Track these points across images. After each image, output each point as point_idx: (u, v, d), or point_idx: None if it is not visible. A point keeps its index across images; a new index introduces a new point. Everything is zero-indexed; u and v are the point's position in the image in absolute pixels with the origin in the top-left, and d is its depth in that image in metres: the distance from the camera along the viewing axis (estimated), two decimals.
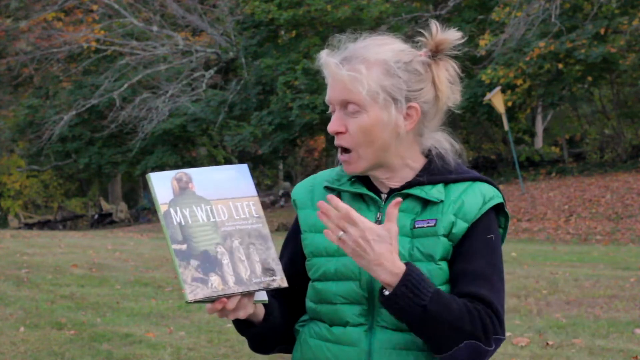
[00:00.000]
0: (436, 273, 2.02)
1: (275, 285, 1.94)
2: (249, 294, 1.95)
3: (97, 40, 30.99)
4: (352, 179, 2.12)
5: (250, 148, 29.02)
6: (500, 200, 2.08)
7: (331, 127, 2.06)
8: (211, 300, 1.89)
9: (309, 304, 2.14)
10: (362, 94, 2.04)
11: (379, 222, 2.06)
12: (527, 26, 21.49)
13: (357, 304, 2.04)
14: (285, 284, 1.96)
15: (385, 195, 2.10)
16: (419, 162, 2.12)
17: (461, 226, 2.03)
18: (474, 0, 25.14)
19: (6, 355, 6.51)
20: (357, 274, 2.03)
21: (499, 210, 2.10)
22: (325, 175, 2.20)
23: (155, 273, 10.89)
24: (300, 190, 2.22)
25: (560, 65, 21.48)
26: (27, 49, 31.30)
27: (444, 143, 2.14)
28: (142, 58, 29.95)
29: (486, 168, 28.05)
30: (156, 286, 9.80)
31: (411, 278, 1.91)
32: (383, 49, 2.08)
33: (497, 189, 2.11)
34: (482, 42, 22.11)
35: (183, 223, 1.89)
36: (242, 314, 1.96)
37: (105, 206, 34.89)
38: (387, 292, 1.92)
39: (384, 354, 2.02)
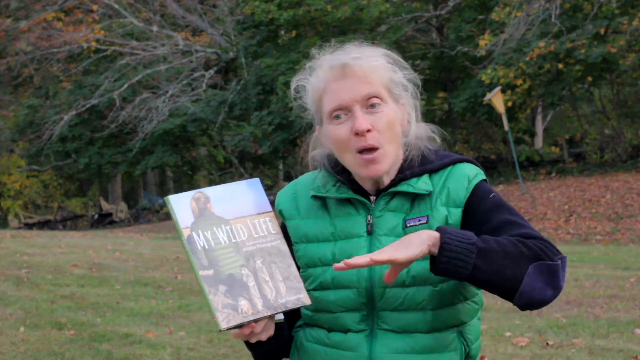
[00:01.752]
0: None
1: (300, 304, 1.93)
2: (273, 316, 1.93)
3: (97, 40, 30.98)
4: (337, 184, 2.09)
5: (250, 148, 29.00)
6: (483, 177, 2.06)
7: (362, 125, 1.97)
8: (241, 325, 1.87)
9: (304, 311, 2.12)
10: (383, 85, 2.01)
11: (370, 225, 2.03)
12: (527, 26, 21.48)
13: (357, 311, 2.02)
14: (309, 301, 1.94)
15: (374, 198, 2.07)
16: (401, 157, 2.10)
17: (455, 213, 2.01)
18: (474, 0, 25.12)
19: (6, 355, 6.51)
20: (355, 282, 2.01)
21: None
22: (307, 181, 2.16)
23: (155, 273, 10.89)
24: (284, 199, 2.17)
25: (560, 65, 21.47)
26: (27, 49, 31.28)
27: (421, 132, 2.11)
28: (142, 58, 29.94)
29: (486, 168, 28.03)
30: (156, 286, 9.80)
31: (447, 228, 1.88)
32: (376, 51, 2.07)
33: (478, 166, 2.09)
34: (482, 42, 22.10)
35: (207, 247, 1.87)
36: (264, 336, 1.94)
37: (105, 206, 34.88)
38: (441, 249, 1.85)
39: (385, 359, 2.00)
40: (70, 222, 35.36)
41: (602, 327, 7.18)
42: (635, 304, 8.19)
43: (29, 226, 33.29)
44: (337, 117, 2.01)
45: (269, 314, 1.88)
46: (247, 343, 2.05)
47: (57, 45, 30.44)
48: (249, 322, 1.87)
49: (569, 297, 8.66)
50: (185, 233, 1.87)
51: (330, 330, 2.06)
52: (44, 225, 33.96)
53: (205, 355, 6.54)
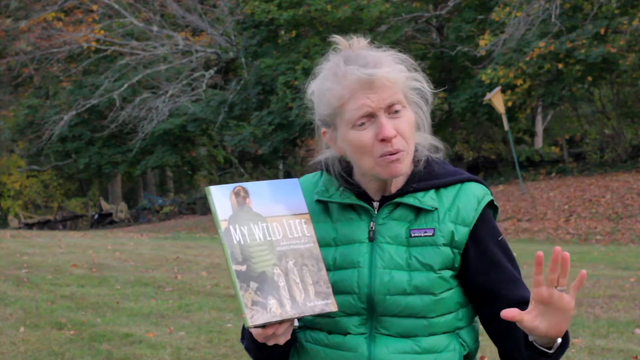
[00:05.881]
0: (436, 282, 2.02)
1: (327, 309, 1.92)
2: (294, 320, 1.93)
3: (97, 40, 30.98)
4: (341, 189, 2.09)
5: (250, 148, 29.00)
6: (491, 197, 2.10)
7: (390, 132, 1.97)
8: (266, 325, 1.87)
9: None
10: (403, 92, 2.03)
11: (372, 231, 2.04)
12: (527, 26, 21.49)
13: (356, 315, 2.03)
14: (336, 308, 1.93)
15: (378, 204, 2.07)
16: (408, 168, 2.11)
17: (462, 231, 2.04)
18: (474, 0, 25.13)
19: (6, 355, 6.51)
20: (354, 288, 2.02)
21: (489, 204, 2.12)
22: (309, 184, 2.15)
23: (155, 273, 10.89)
24: None
25: (560, 65, 21.47)
26: (27, 49, 31.28)
27: (423, 140, 2.12)
28: (142, 58, 29.94)
29: (486, 168, 28.05)
30: (156, 286, 9.80)
31: (567, 331, 2.01)
32: (397, 58, 2.07)
33: (485, 185, 2.12)
34: (482, 42, 22.10)
35: (242, 242, 1.87)
36: (282, 340, 1.94)
37: (105, 206, 34.89)
38: (558, 342, 1.97)
39: (384, 359, 2.01)
40: (70, 222, 35.36)
41: (602, 327, 7.18)
42: (635, 304, 8.19)
43: (29, 226, 33.29)
44: (361, 124, 2.01)
45: (296, 316, 1.88)
46: (255, 345, 2.04)
47: (57, 45, 30.44)
48: (275, 323, 1.87)
49: None
50: (223, 226, 1.87)
51: (330, 332, 2.07)
52: (44, 225, 33.96)
53: (205, 355, 6.54)
